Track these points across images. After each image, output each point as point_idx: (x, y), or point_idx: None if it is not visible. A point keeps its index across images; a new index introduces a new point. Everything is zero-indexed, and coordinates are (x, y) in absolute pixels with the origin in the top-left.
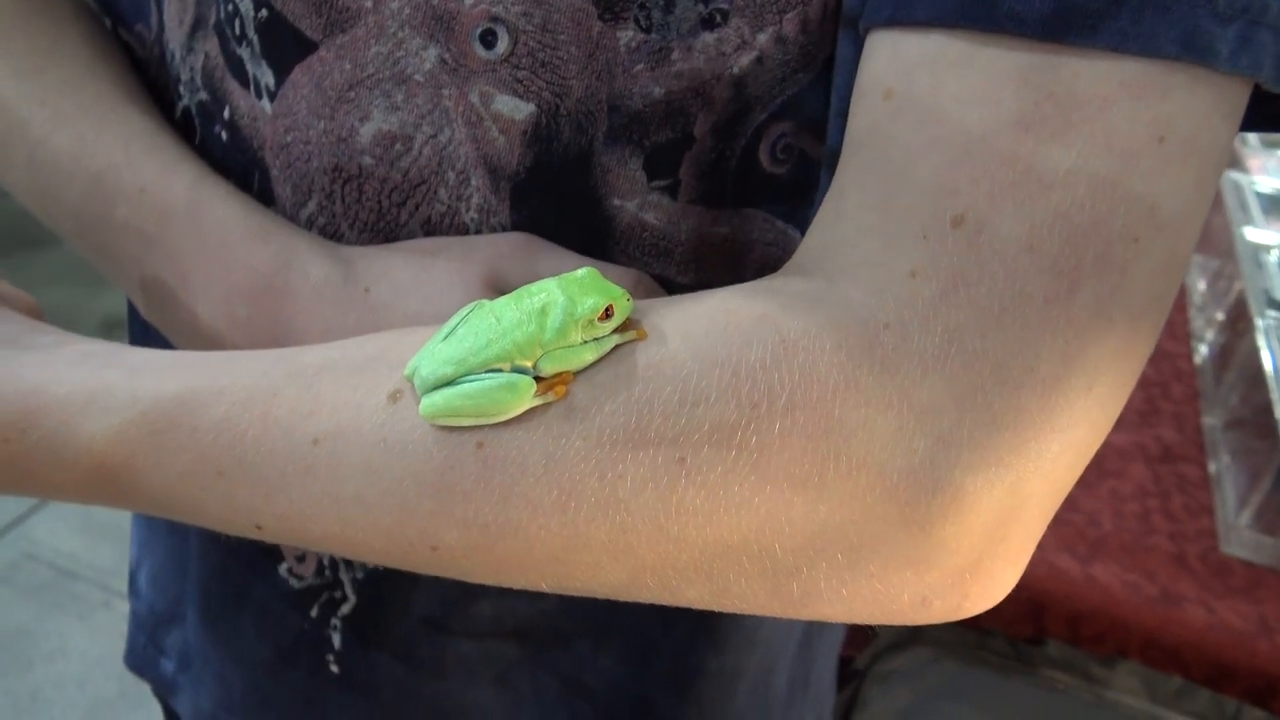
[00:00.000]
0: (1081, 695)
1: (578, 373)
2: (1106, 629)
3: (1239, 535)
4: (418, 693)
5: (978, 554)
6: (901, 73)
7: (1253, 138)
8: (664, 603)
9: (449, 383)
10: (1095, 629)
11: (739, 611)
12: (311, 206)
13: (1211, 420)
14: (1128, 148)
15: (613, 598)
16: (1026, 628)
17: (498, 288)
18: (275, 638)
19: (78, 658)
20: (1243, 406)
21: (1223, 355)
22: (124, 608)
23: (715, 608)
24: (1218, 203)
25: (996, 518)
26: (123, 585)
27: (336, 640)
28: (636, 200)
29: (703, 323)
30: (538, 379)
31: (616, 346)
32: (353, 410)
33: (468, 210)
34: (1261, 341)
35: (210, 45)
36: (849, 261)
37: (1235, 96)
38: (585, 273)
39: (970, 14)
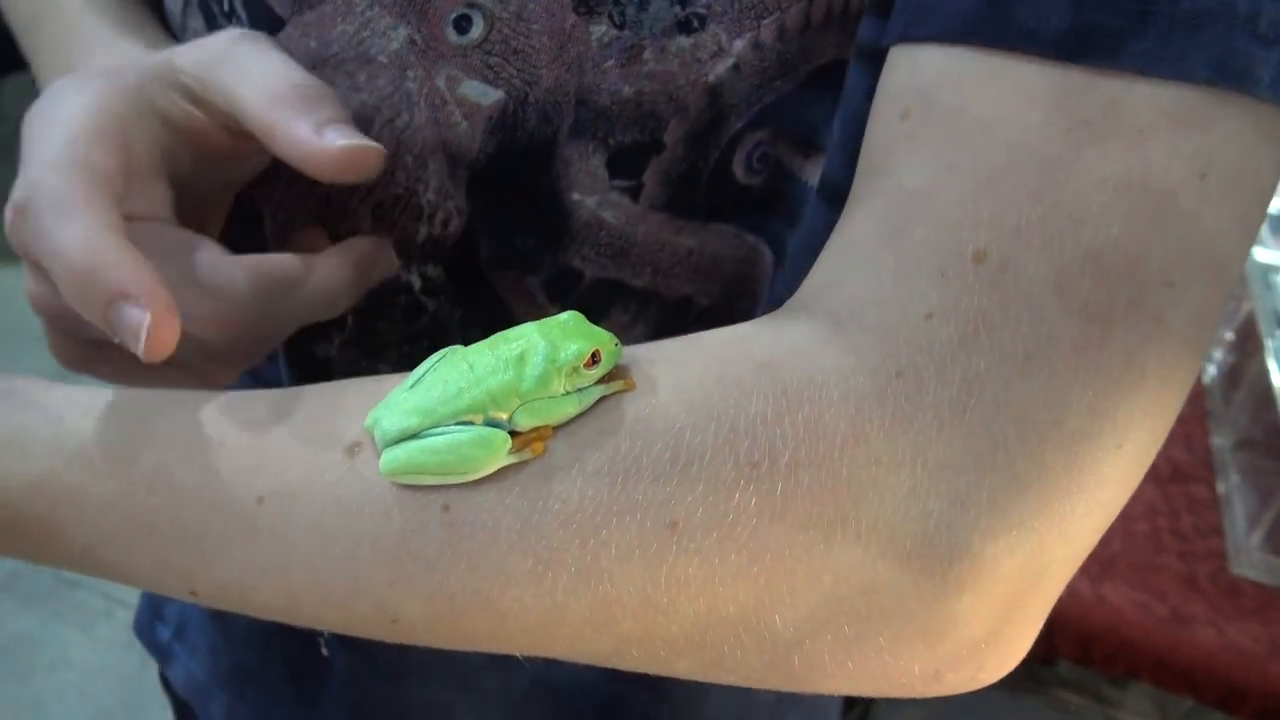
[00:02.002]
0: (1093, 716)
1: (558, 427)
2: (1117, 650)
3: (1249, 556)
4: (381, 693)
5: (995, 624)
6: (921, 91)
7: None
8: (651, 672)
9: (414, 436)
10: (1106, 649)
11: (733, 684)
12: (269, 189)
13: (1221, 440)
14: (1166, 183)
15: (593, 664)
16: (1038, 648)
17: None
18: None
19: (79, 666)
20: (1252, 426)
21: (1232, 375)
22: (126, 617)
23: (707, 679)
24: None
25: (1017, 585)
26: (125, 594)
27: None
28: (596, 197)
29: (697, 372)
30: (513, 434)
31: (602, 398)
32: (304, 465)
33: (425, 193)
34: (1271, 361)
35: (197, 22)
36: (858, 301)
37: None
38: (569, 316)
39: (979, 30)
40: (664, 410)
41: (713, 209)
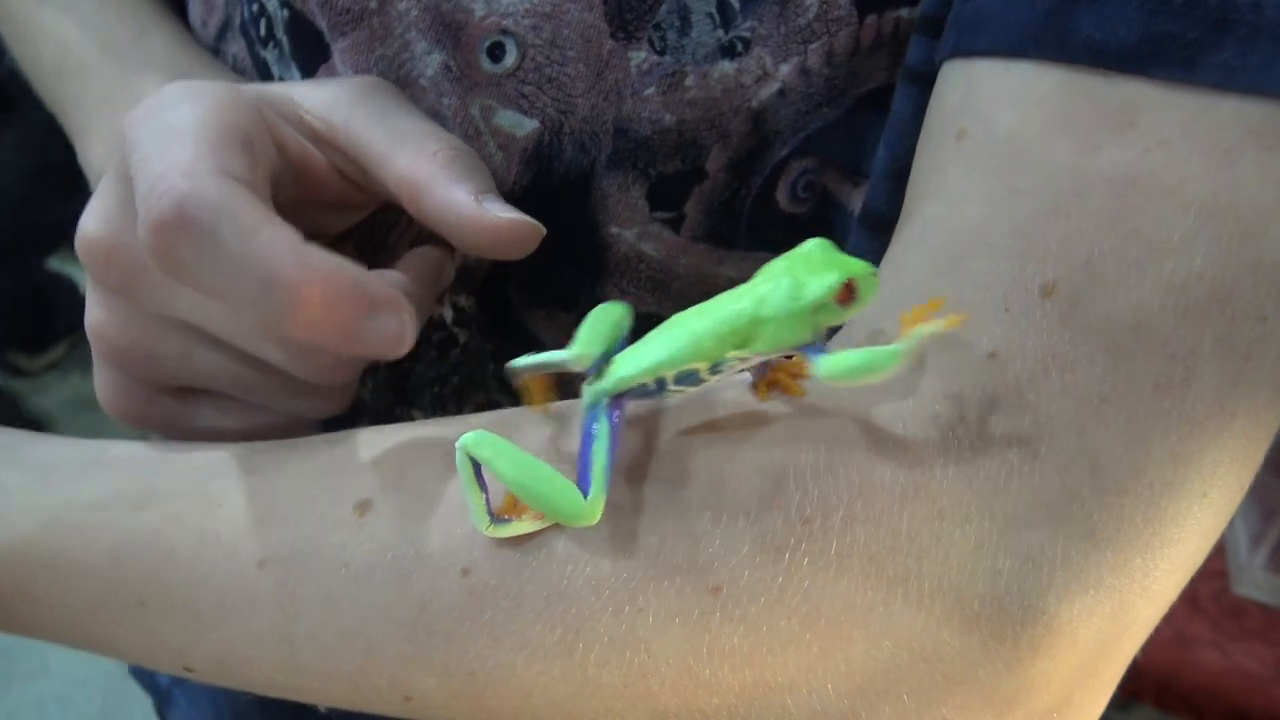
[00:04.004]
0: None
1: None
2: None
3: (1252, 576)
4: None
5: (1070, 690)
6: (977, 110)
7: None
8: None
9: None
10: None
11: None
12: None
13: None
14: (1257, 208)
15: None
16: None
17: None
18: None
19: (60, 676)
20: None
21: None
22: None
23: None
24: None
25: (1095, 649)
26: None
27: None
28: (636, 230)
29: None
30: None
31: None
32: (310, 526)
33: None
34: None
35: (238, 48)
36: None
37: None
38: (814, 245)
39: (1040, 42)
40: (706, 463)
41: (756, 238)
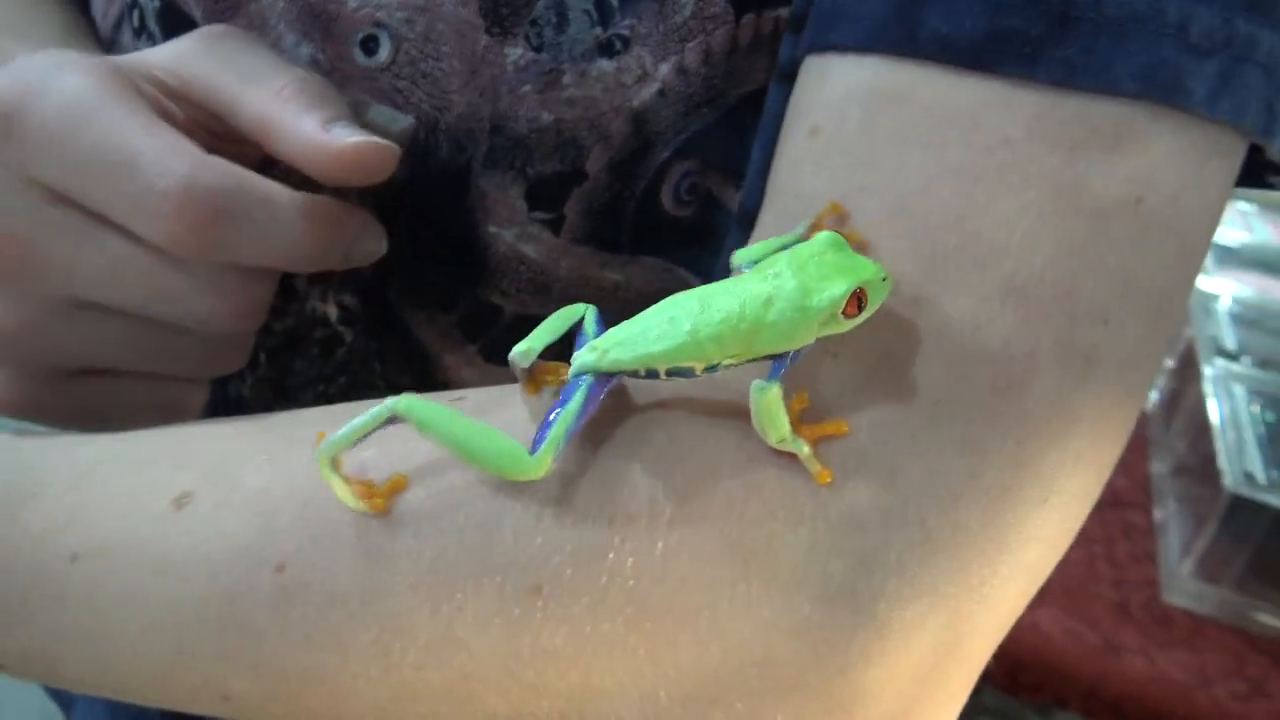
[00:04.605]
0: None
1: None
2: (1046, 678)
3: (1181, 584)
4: None
5: (909, 700)
6: (830, 106)
7: None
8: None
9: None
10: (1035, 677)
11: None
12: None
13: (1159, 467)
14: (1098, 208)
15: None
16: None
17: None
18: None
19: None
20: (1190, 454)
21: (1172, 402)
22: None
23: None
24: None
25: (931, 657)
26: None
27: None
28: (515, 230)
29: None
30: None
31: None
32: (125, 518)
33: None
34: (1208, 389)
35: (126, 38)
36: None
37: (1229, 149)
38: (825, 241)
39: (889, 37)
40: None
41: (640, 242)
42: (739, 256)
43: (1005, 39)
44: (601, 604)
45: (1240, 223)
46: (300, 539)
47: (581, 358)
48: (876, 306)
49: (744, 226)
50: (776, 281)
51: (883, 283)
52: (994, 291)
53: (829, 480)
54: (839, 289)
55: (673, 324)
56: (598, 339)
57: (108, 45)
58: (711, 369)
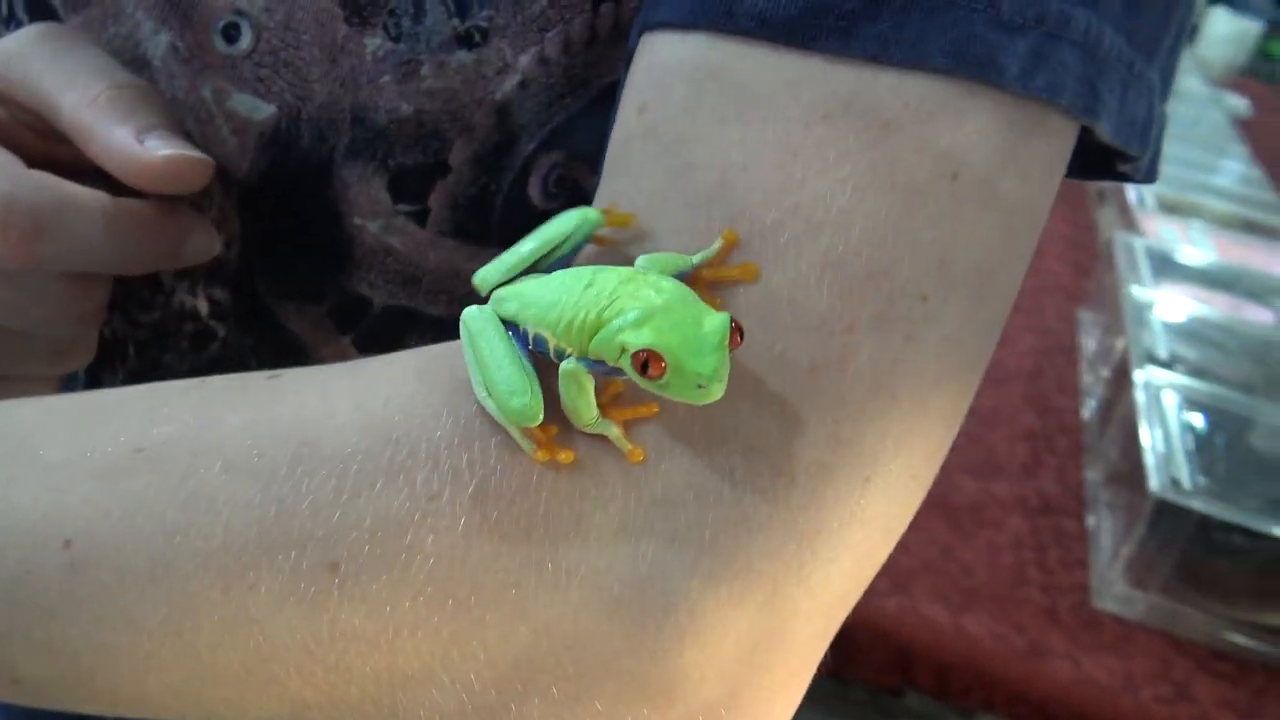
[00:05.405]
0: None
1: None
2: (973, 681)
3: (1110, 589)
4: None
5: (731, 685)
6: (657, 84)
7: (1149, 198)
8: None
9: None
10: (962, 681)
11: None
12: None
13: (1093, 474)
14: (912, 183)
15: None
16: (892, 677)
17: None
18: None
19: None
20: (1122, 461)
21: (1106, 411)
22: None
23: None
24: (1110, 262)
25: (750, 641)
26: None
27: None
28: (380, 222)
29: (385, 389)
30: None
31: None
32: None
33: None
34: (1139, 396)
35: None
36: None
37: (1055, 130)
38: (672, 286)
39: (709, 14)
40: (338, 432)
41: (510, 234)
42: (642, 262)
43: (820, 14)
44: (402, 582)
45: (1178, 234)
46: (88, 514)
47: (496, 295)
48: (680, 395)
49: None
50: (629, 289)
51: (681, 369)
52: (811, 267)
53: (641, 459)
54: (640, 340)
55: (559, 292)
56: (519, 283)
57: None
58: (560, 355)
